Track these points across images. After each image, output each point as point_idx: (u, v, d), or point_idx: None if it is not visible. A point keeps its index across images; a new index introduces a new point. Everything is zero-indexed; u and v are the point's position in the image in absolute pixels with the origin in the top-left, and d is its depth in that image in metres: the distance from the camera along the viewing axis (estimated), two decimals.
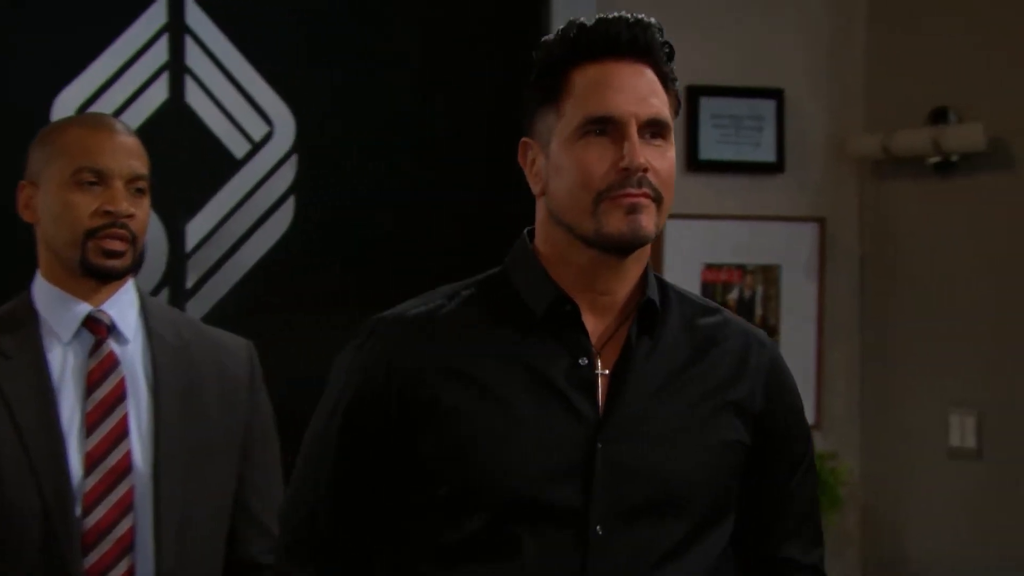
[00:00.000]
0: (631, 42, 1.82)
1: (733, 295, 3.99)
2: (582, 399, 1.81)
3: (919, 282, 3.93)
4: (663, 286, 1.92)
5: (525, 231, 1.92)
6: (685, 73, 3.93)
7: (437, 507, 1.82)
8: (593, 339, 1.85)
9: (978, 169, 3.74)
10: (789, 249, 3.99)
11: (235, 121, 3.59)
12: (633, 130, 1.79)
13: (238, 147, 3.61)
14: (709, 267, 3.95)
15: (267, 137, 3.61)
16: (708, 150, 3.96)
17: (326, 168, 3.64)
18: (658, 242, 3.92)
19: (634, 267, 1.86)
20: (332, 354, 3.64)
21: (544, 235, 1.87)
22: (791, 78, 4.00)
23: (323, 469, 1.88)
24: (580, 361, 1.82)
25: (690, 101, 3.92)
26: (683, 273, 3.91)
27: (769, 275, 3.99)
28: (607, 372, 1.83)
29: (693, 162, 3.93)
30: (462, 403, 1.80)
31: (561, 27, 1.87)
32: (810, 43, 4.03)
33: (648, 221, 1.78)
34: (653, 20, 1.85)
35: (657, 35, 1.84)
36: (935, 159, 3.82)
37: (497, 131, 3.82)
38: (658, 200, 1.80)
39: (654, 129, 1.82)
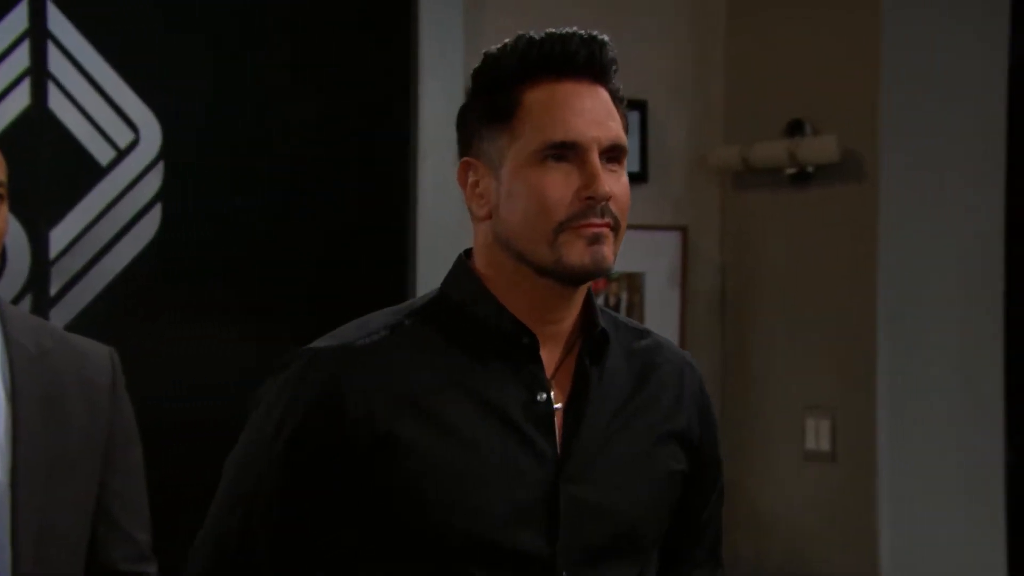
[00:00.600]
0: (588, 61, 1.71)
1: (598, 302, 3.99)
2: (541, 436, 1.70)
3: (777, 289, 3.93)
4: (600, 310, 1.82)
5: (463, 252, 1.80)
6: None
7: (388, 549, 1.69)
8: (546, 371, 1.75)
9: (832, 179, 3.76)
10: (653, 257, 3.98)
11: (100, 128, 3.50)
12: (596, 156, 1.68)
13: (103, 154, 3.51)
14: None
15: (133, 144, 3.50)
16: None
17: (193, 176, 3.54)
18: None
19: (580, 295, 1.76)
20: (197, 361, 3.63)
21: (487, 260, 1.75)
22: (654, 91, 3.98)
23: (255, 507, 1.72)
24: (538, 397, 1.71)
25: None
26: None
27: (633, 282, 3.99)
28: (560, 407, 1.73)
29: None
30: (420, 439, 1.66)
31: (508, 40, 1.74)
32: (672, 58, 4.02)
33: (609, 251, 1.69)
34: (606, 37, 1.74)
35: (610, 53, 1.74)
36: (791, 170, 3.83)
37: (367, 137, 3.74)
38: (616, 229, 1.70)
39: (612, 154, 1.71)
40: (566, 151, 1.68)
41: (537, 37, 1.72)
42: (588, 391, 1.73)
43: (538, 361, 1.71)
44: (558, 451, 1.70)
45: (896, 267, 3.69)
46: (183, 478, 2.98)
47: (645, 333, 1.85)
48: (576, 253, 1.66)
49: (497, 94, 1.71)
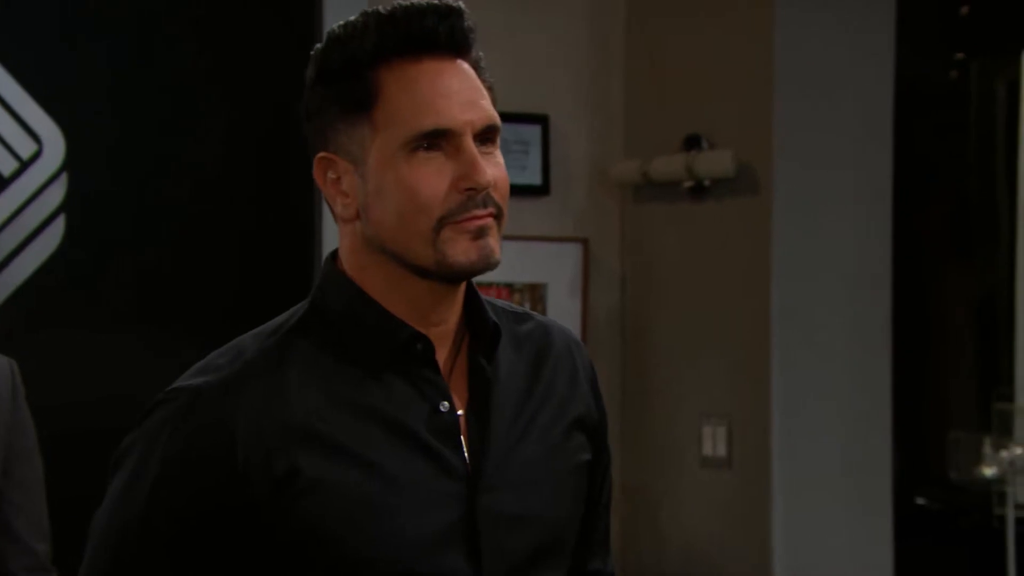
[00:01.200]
0: (449, 35, 1.50)
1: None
2: (449, 449, 1.52)
3: (675, 299, 3.90)
4: (483, 300, 1.62)
5: (329, 256, 1.59)
6: None
7: None
8: None
9: (727, 192, 3.75)
10: (555, 268, 3.95)
11: (1, 139, 3.45)
12: (471, 141, 1.48)
13: (5, 165, 3.42)
14: (480, 286, 3.96)
15: (35, 155, 3.41)
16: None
17: (97, 186, 3.46)
18: None
19: (462, 289, 1.58)
20: (99, 373, 3.57)
21: (358, 263, 1.54)
22: (556, 106, 3.95)
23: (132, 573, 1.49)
24: (440, 406, 1.52)
25: None
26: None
27: (536, 293, 3.97)
28: (461, 413, 1.54)
29: None
30: (320, 471, 1.46)
31: (350, 18, 1.52)
32: (573, 73, 3.99)
33: (495, 243, 1.52)
34: (461, 3, 1.53)
35: (468, 20, 1.53)
36: (689, 183, 3.81)
37: (275, 145, 3.69)
38: (499, 217, 1.53)
39: (486, 135, 1.51)
40: (438, 139, 1.48)
41: (387, 12, 1.51)
42: (489, 392, 1.56)
43: (435, 367, 1.53)
44: (467, 462, 1.52)
45: (789, 276, 3.68)
46: (85, 489, 2.93)
47: (526, 316, 1.68)
48: (461, 250, 1.49)
49: (350, 80, 1.50)
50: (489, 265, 1.53)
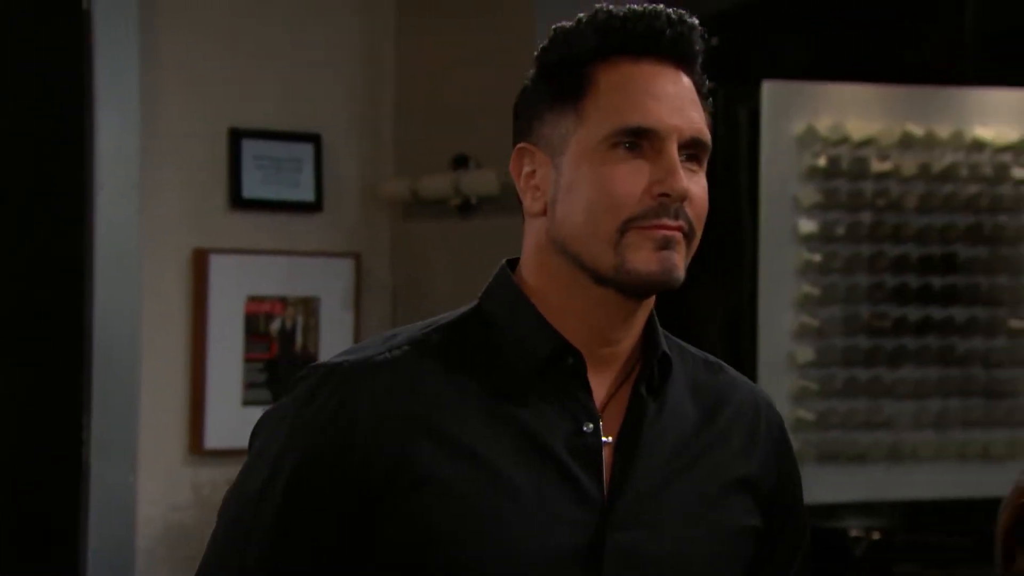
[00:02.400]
0: (674, 42, 1.40)
1: (275, 326, 3.92)
2: (586, 474, 1.38)
3: (444, 311, 4.01)
4: (665, 336, 1.47)
5: (504, 261, 1.49)
6: (229, 115, 3.93)
7: None
8: (595, 399, 1.41)
9: (493, 210, 3.72)
10: (327, 282, 3.87)
11: None
12: (675, 148, 1.37)
13: None
14: (252, 299, 3.77)
15: None
16: (251, 189, 3.77)
17: None
18: (203, 276, 3.82)
19: (643, 313, 1.43)
20: None
21: (537, 265, 1.43)
22: (328, 125, 3.86)
23: (251, 554, 1.38)
24: (584, 427, 1.39)
25: (233, 143, 3.76)
26: (228, 305, 3.71)
27: (309, 307, 3.87)
28: (610, 440, 1.40)
29: (236, 200, 3.74)
30: (446, 471, 1.35)
31: (582, 14, 1.43)
32: (345, 93, 3.89)
33: (680, 260, 1.38)
34: (697, 21, 1.43)
35: (699, 39, 1.43)
36: (457, 201, 3.76)
37: (41, 171, 3.46)
38: (690, 236, 1.39)
39: (692, 151, 1.40)
40: (641, 139, 1.37)
41: (618, 12, 1.41)
42: (642, 424, 1.41)
43: (585, 386, 1.40)
44: (605, 492, 1.38)
45: None
46: None
47: (717, 367, 1.51)
48: (642, 258, 1.37)
49: (567, 72, 1.40)
50: (671, 280, 1.38)
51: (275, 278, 3.86)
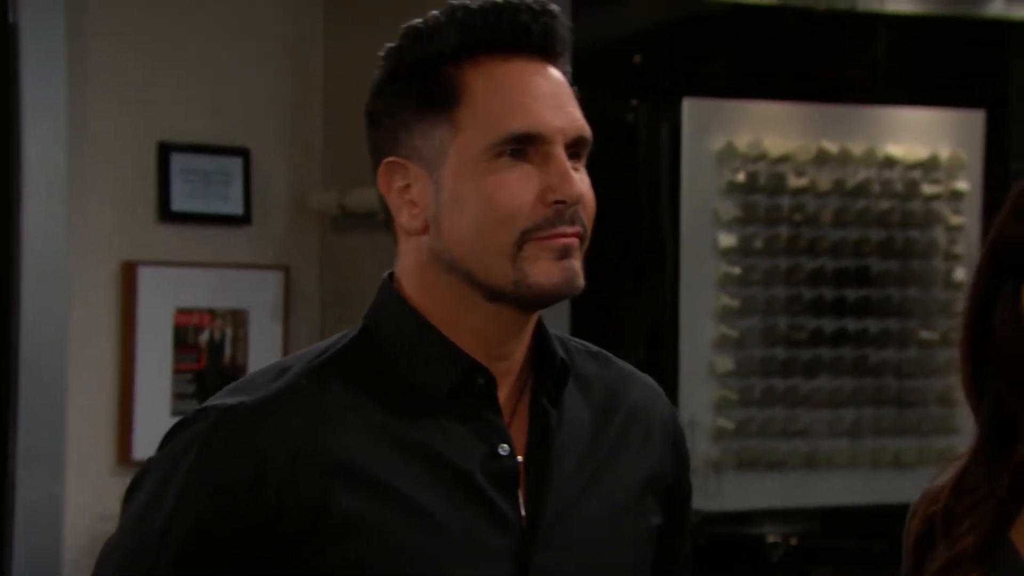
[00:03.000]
0: (543, 36, 1.29)
1: (204, 337, 3.87)
2: (504, 498, 1.28)
3: None
4: (551, 335, 1.36)
5: (385, 277, 1.35)
6: (158, 129, 3.88)
7: None
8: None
9: None
10: (256, 295, 3.80)
11: None
12: (562, 150, 1.27)
13: None
14: (181, 311, 3.70)
15: None
16: (179, 202, 3.70)
17: None
18: (131, 288, 3.77)
19: (533, 321, 1.33)
20: None
21: (421, 284, 1.30)
22: (257, 139, 3.79)
23: None
24: (499, 450, 1.29)
25: (161, 156, 3.69)
26: (157, 317, 3.63)
27: (238, 318, 3.81)
28: (520, 459, 1.31)
29: (165, 213, 3.67)
30: (360, 512, 1.23)
31: (436, 12, 1.30)
32: (273, 107, 3.82)
33: (580, 267, 1.28)
34: (557, 8, 1.31)
35: (565, 28, 1.31)
36: (385, 215, 3.92)
37: None
38: (584, 239, 1.29)
39: (575, 149, 1.29)
40: (525, 145, 1.26)
41: (475, 6, 1.28)
42: (549, 438, 1.31)
43: (495, 406, 1.30)
44: (522, 515, 1.29)
45: None
46: None
47: (604, 358, 1.43)
48: (543, 270, 1.26)
49: (431, 78, 1.28)
50: (575, 290, 1.28)
51: (204, 290, 3.81)
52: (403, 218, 1.32)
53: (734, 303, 4.22)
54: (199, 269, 3.81)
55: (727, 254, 4.23)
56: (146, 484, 1.28)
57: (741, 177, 4.24)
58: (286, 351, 3.90)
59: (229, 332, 3.88)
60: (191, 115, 3.80)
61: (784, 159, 4.28)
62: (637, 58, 4.49)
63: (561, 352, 1.34)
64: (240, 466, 1.24)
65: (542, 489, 1.30)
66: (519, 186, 1.26)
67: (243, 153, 3.86)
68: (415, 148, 1.29)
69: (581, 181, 1.29)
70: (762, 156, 4.25)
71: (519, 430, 1.32)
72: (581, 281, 1.28)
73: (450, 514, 1.26)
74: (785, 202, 4.29)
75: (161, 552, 1.25)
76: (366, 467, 1.25)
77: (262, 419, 1.24)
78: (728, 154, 4.22)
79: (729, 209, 4.23)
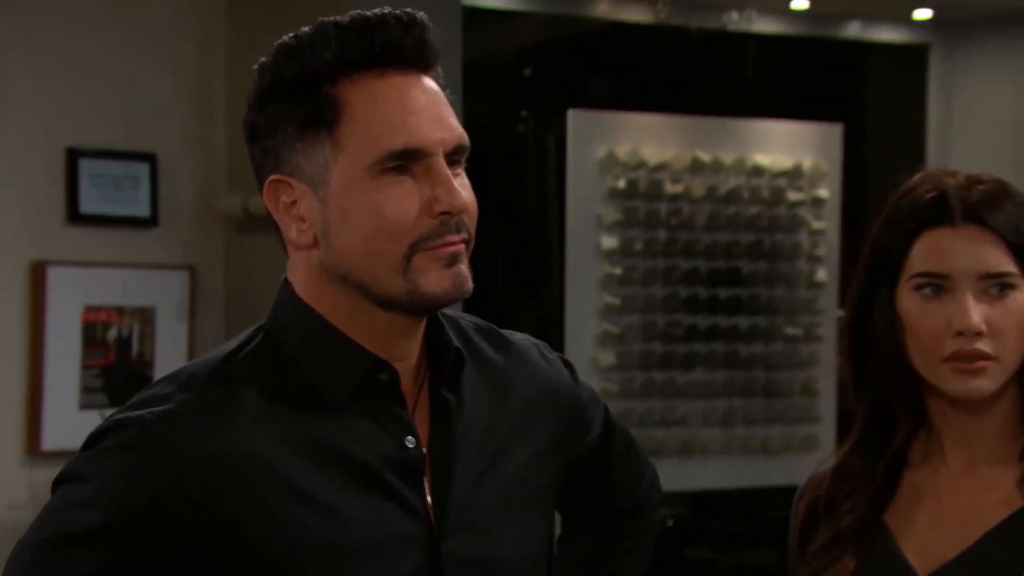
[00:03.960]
0: (416, 48, 1.23)
1: (112, 333, 3.80)
2: (411, 490, 1.24)
3: None
4: (446, 324, 1.31)
5: (282, 281, 1.28)
6: (66, 135, 3.78)
7: None
8: None
9: None
10: (163, 293, 3.73)
11: None
12: (443, 161, 1.23)
13: None
14: (90, 308, 3.64)
15: None
16: (89, 205, 3.60)
17: None
18: (40, 286, 3.67)
19: (424, 321, 1.28)
20: None
21: (316, 294, 1.25)
22: (164, 144, 3.71)
23: None
24: (406, 442, 1.24)
25: (70, 161, 3.58)
26: (65, 314, 3.54)
27: (145, 316, 3.73)
28: (424, 450, 1.26)
29: (75, 215, 3.58)
30: (277, 513, 1.18)
31: (307, 28, 1.23)
32: (179, 113, 3.74)
33: (467, 271, 1.25)
34: (426, 16, 1.25)
35: (434, 37, 1.26)
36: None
37: None
38: (470, 243, 1.26)
39: (455, 157, 1.25)
40: (407, 160, 1.21)
41: (347, 22, 1.22)
42: (451, 426, 1.27)
43: (400, 400, 1.25)
44: (429, 504, 1.24)
45: None
46: None
47: (491, 333, 1.37)
48: (434, 279, 1.22)
49: (309, 96, 1.21)
50: (464, 295, 1.24)
51: (112, 289, 3.75)
52: (292, 233, 1.26)
53: (615, 301, 4.23)
54: (107, 269, 3.75)
55: (609, 255, 4.24)
56: (66, 487, 1.22)
57: (622, 184, 4.25)
58: (191, 347, 3.84)
59: (137, 329, 3.81)
60: (99, 122, 3.73)
61: (661, 167, 4.30)
62: (527, 71, 4.47)
63: (456, 341, 1.31)
64: (159, 476, 1.19)
65: (447, 477, 1.26)
66: (404, 200, 1.22)
67: (150, 158, 3.79)
68: (299, 166, 1.23)
69: (463, 188, 1.26)
70: (641, 164, 4.26)
71: (421, 420, 1.28)
72: (470, 284, 1.25)
73: (361, 509, 1.22)
74: (662, 207, 4.31)
75: (77, 553, 1.19)
76: (278, 470, 1.20)
77: (176, 430, 1.20)
78: (610, 162, 4.23)
79: (611, 213, 4.24)
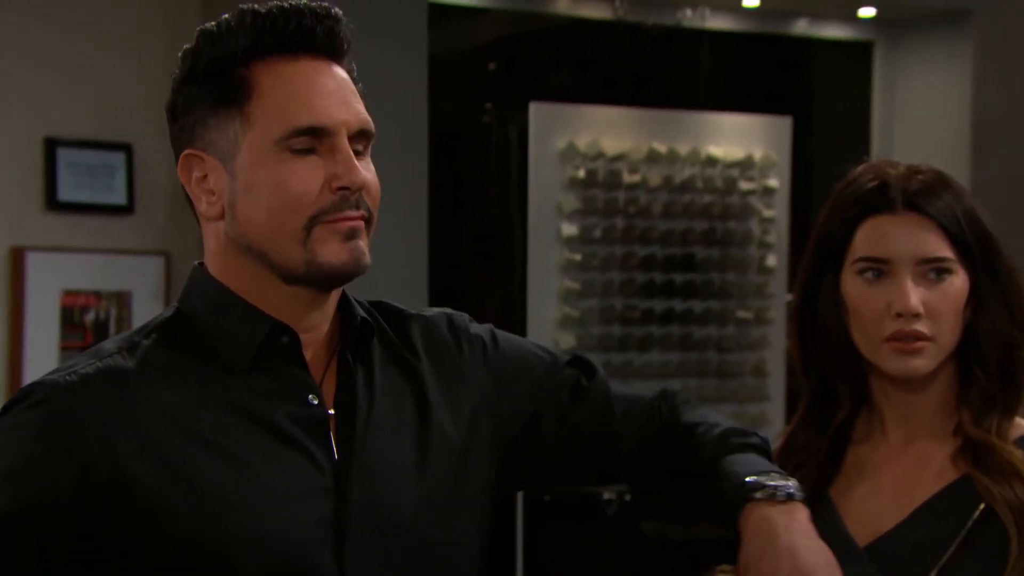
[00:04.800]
0: (326, 37, 1.27)
1: (90, 317, 3.79)
2: (317, 444, 1.24)
3: None
4: (357, 301, 1.35)
5: (196, 264, 1.32)
6: (44, 125, 3.75)
7: None
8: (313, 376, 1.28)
9: None
10: (139, 278, 3.73)
11: None
12: (346, 141, 1.26)
13: None
14: (68, 293, 3.65)
15: None
16: (66, 193, 3.58)
17: None
18: (20, 271, 3.64)
19: (335, 295, 1.31)
20: None
21: (221, 266, 1.28)
22: (139, 134, 3.69)
23: None
24: (309, 399, 1.26)
25: (48, 151, 3.57)
26: (44, 298, 3.54)
27: (122, 300, 3.71)
28: (332, 412, 1.27)
29: (53, 203, 3.56)
30: (183, 467, 1.19)
31: (227, 15, 1.27)
32: (155, 104, 3.89)
33: (366, 246, 1.27)
34: (338, 10, 1.30)
35: (345, 29, 1.30)
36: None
37: None
38: (370, 221, 1.28)
39: (359, 141, 1.28)
40: (312, 137, 1.25)
41: (263, 10, 1.27)
42: (355, 387, 1.28)
43: (301, 362, 1.27)
44: (335, 457, 1.25)
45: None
46: None
47: (405, 314, 1.39)
48: (331, 251, 1.24)
49: (223, 76, 1.25)
50: (361, 268, 1.26)
51: (90, 274, 3.74)
52: (202, 206, 1.30)
53: (575, 286, 4.24)
54: (85, 254, 3.74)
55: (569, 242, 4.25)
56: None
57: (581, 173, 4.26)
58: None
59: (114, 312, 3.80)
60: (77, 113, 3.71)
61: (619, 158, 4.31)
62: (491, 66, 4.47)
63: (362, 312, 1.32)
64: (63, 438, 1.20)
65: (351, 434, 1.27)
66: (307, 175, 1.25)
67: (126, 148, 3.78)
68: (211, 141, 1.27)
69: (366, 169, 1.28)
70: (600, 155, 4.27)
71: (330, 388, 1.29)
72: (367, 260, 1.27)
73: (264, 460, 1.23)
74: (620, 196, 4.33)
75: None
76: (177, 424, 1.22)
77: (80, 394, 1.21)
78: (570, 153, 4.24)
79: (571, 202, 4.25)
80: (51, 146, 3.66)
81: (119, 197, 3.81)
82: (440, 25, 3.96)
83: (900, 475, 1.48)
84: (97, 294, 3.77)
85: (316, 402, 1.26)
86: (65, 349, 3.70)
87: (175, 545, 1.20)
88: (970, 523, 1.40)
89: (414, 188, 3.83)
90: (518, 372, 1.40)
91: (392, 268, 3.74)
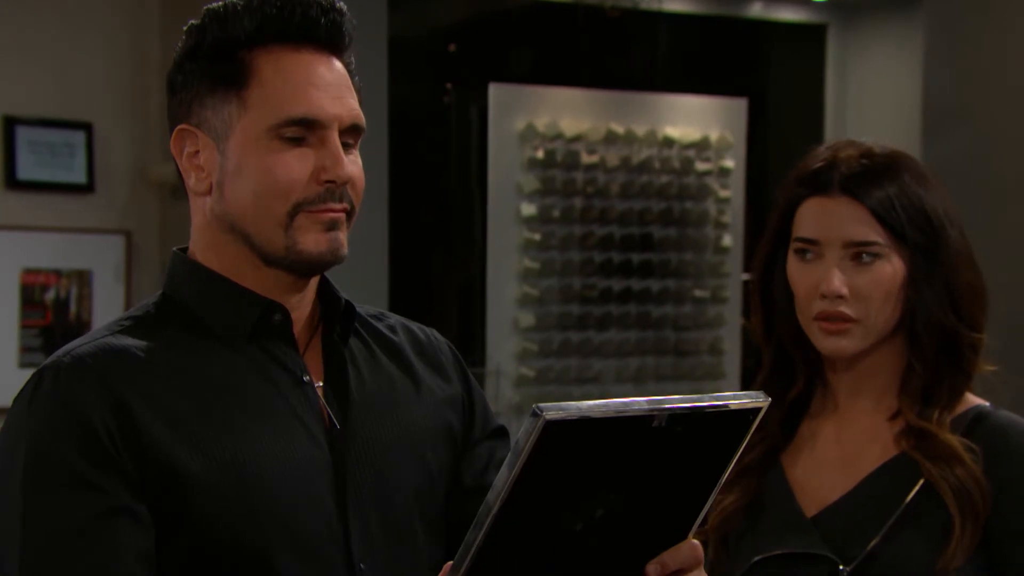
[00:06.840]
0: (329, 30, 1.27)
1: (50, 295, 3.76)
2: (313, 420, 1.26)
3: None
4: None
5: (175, 249, 1.32)
6: (4, 104, 3.71)
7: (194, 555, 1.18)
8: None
9: None
10: (100, 257, 3.69)
11: None
12: (336, 135, 1.26)
13: None
14: (28, 271, 3.65)
15: None
16: (26, 171, 3.56)
17: None
18: None
19: (315, 280, 1.32)
20: None
21: (206, 242, 1.28)
22: (100, 114, 3.66)
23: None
24: (304, 378, 1.27)
25: (7, 129, 3.58)
26: (4, 277, 3.50)
27: (82, 279, 3.69)
28: (320, 385, 1.29)
29: (12, 181, 3.51)
30: (183, 446, 1.20)
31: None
32: (115, 84, 3.69)
33: (344, 238, 1.28)
34: (345, 6, 1.29)
35: (349, 24, 1.29)
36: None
37: None
38: (351, 214, 1.29)
39: (350, 135, 1.28)
40: (304, 128, 1.25)
41: None
42: (344, 364, 1.30)
43: (292, 342, 1.28)
44: (331, 431, 1.27)
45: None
46: None
47: (384, 316, 1.41)
48: (311, 239, 1.25)
49: (225, 59, 1.26)
50: (337, 258, 1.27)
51: (50, 253, 3.70)
52: (191, 181, 1.29)
53: (535, 265, 4.25)
54: (45, 233, 3.70)
55: (528, 222, 4.25)
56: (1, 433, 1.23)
57: (540, 154, 4.26)
58: (128, 309, 3.80)
59: (74, 291, 3.76)
60: (37, 92, 3.66)
61: (578, 138, 4.31)
62: (451, 47, 4.46)
63: (345, 295, 1.34)
64: (72, 416, 1.19)
65: (342, 411, 1.29)
66: (296, 164, 1.25)
67: (86, 127, 3.73)
68: (205, 119, 1.26)
69: (353, 164, 1.28)
70: (559, 136, 4.27)
71: (315, 365, 1.30)
72: (345, 251, 1.29)
73: (269, 429, 1.23)
74: (579, 176, 4.33)
75: (11, 487, 1.19)
76: (179, 408, 1.21)
77: (83, 373, 1.20)
78: (529, 134, 4.23)
79: (530, 182, 4.25)
80: (10, 124, 3.62)
81: (79, 176, 3.77)
82: (400, 6, 3.94)
83: (848, 449, 1.49)
84: (57, 273, 3.74)
85: (308, 379, 1.28)
86: (25, 327, 3.66)
87: (192, 502, 1.20)
88: (909, 498, 1.42)
89: (374, 168, 3.81)
90: (485, 411, 1.42)
91: (353, 248, 3.70)
